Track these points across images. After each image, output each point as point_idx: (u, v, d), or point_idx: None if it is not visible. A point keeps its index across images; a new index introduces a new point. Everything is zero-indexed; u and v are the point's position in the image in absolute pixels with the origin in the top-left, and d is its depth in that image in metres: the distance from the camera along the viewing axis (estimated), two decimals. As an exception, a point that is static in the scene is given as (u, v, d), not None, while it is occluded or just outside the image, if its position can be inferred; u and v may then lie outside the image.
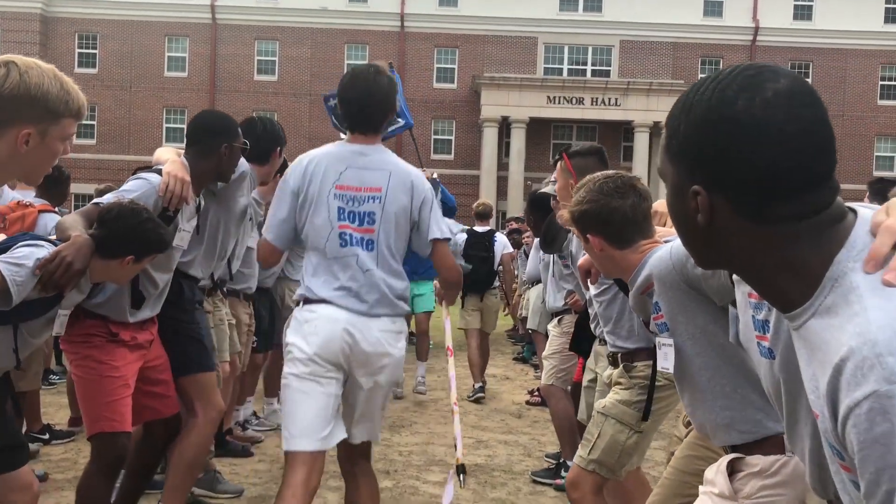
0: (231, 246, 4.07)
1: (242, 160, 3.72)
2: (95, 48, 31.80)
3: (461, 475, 3.98)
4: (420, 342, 7.90)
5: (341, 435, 3.05)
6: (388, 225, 3.06)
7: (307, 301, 3.05)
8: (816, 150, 1.09)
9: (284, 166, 4.24)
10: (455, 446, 4.28)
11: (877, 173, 30.28)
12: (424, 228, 3.12)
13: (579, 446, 3.14)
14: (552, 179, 4.02)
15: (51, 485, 4.40)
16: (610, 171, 2.67)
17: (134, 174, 3.39)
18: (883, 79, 32.17)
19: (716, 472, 2.09)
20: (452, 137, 32.14)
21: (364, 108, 3.11)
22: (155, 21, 31.47)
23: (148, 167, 3.44)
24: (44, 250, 2.63)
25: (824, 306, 1.06)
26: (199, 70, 31.99)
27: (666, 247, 2.21)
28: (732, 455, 2.08)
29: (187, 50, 32.06)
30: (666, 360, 2.19)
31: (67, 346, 3.21)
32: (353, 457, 3.22)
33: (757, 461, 2.02)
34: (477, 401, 7.51)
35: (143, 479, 3.51)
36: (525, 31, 31.61)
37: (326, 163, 3.08)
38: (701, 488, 2.13)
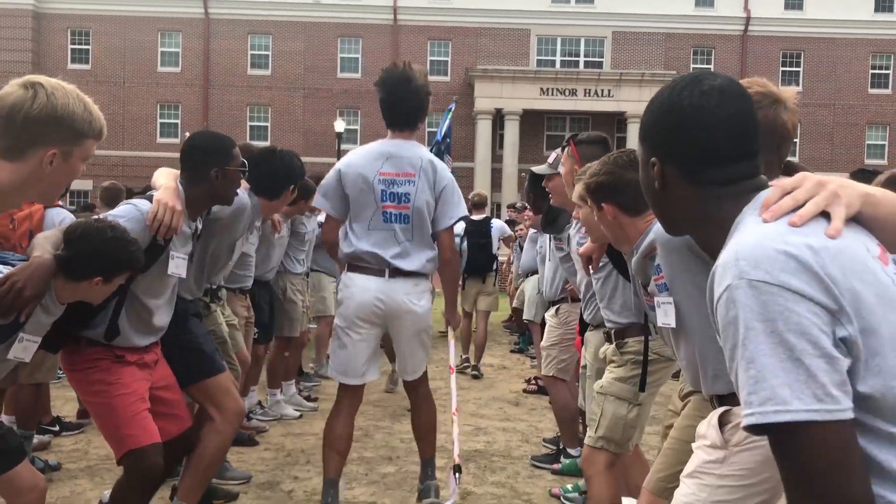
0: (219, 268, 4.03)
1: (244, 195, 3.62)
2: (88, 44, 31.75)
3: (457, 474, 4.23)
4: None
5: (375, 374, 4.02)
6: (420, 204, 3.81)
7: (350, 268, 3.85)
8: (740, 131, 1.44)
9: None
10: (453, 445, 4.38)
11: (868, 162, 30.50)
12: (440, 212, 3.87)
13: (588, 427, 3.31)
14: (550, 162, 4.18)
15: (64, 474, 4.54)
16: (624, 150, 2.95)
17: (128, 198, 3.32)
18: (874, 67, 32.34)
19: (707, 426, 2.25)
20: (446, 130, 32.22)
21: (401, 109, 3.85)
22: (147, 16, 31.45)
23: (142, 193, 3.36)
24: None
25: (725, 245, 1.35)
26: (192, 65, 31.99)
27: None
28: (721, 409, 2.23)
29: (180, 45, 32.07)
30: (667, 317, 2.40)
31: (74, 377, 3.15)
32: (414, 388, 4.17)
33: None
34: (476, 377, 7.91)
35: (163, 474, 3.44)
36: (518, 23, 31.69)
37: (372, 154, 3.85)
38: (694, 444, 2.29)
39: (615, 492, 3.20)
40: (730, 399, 2.26)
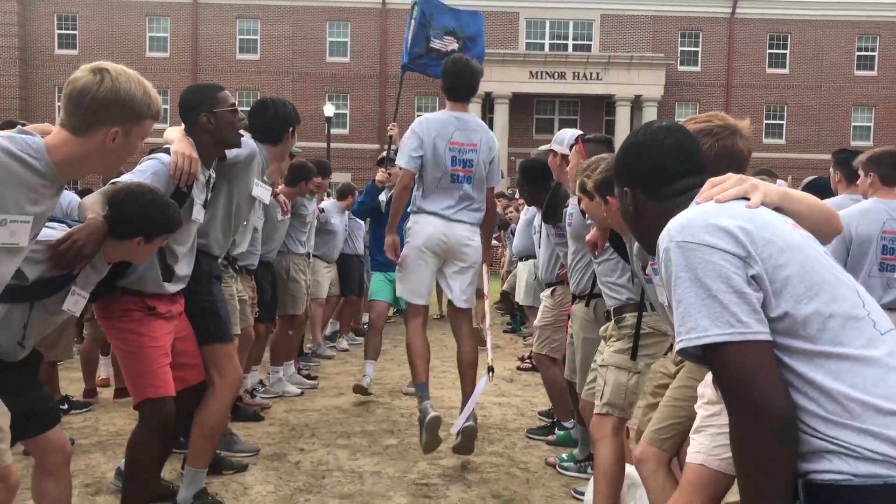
0: (244, 222, 4.31)
1: (249, 141, 3.84)
2: (75, 29, 31.59)
3: (490, 372, 4.88)
4: (370, 338, 6.54)
5: (427, 299, 4.84)
6: (480, 168, 4.68)
7: (418, 212, 4.70)
8: (684, 154, 1.89)
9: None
10: (460, 415, 4.57)
11: (854, 143, 30.77)
12: (489, 175, 4.79)
13: (595, 399, 3.52)
14: (542, 149, 4.45)
15: (78, 449, 4.69)
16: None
17: (148, 154, 3.53)
18: (859, 49, 32.54)
19: (704, 386, 2.55)
20: (436, 114, 32.28)
21: (463, 85, 4.67)
22: (135, 0, 31.30)
23: (159, 147, 3.54)
24: (58, 232, 2.72)
25: None
26: (180, 50, 31.89)
27: None
28: None
29: (168, 30, 31.93)
30: (661, 296, 2.64)
31: (106, 322, 3.37)
32: (459, 320, 4.88)
33: None
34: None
35: (168, 445, 3.73)
36: (506, 5, 31.69)
37: (442, 124, 4.62)
38: (696, 405, 2.55)
39: (620, 455, 3.41)
40: None
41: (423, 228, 4.64)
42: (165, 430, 3.35)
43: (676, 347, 1.56)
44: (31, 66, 31.44)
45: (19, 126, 2.29)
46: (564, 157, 4.37)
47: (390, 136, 5.99)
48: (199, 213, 3.51)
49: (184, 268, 3.51)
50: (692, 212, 1.65)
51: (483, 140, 4.68)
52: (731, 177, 1.75)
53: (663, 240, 1.63)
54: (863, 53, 32.58)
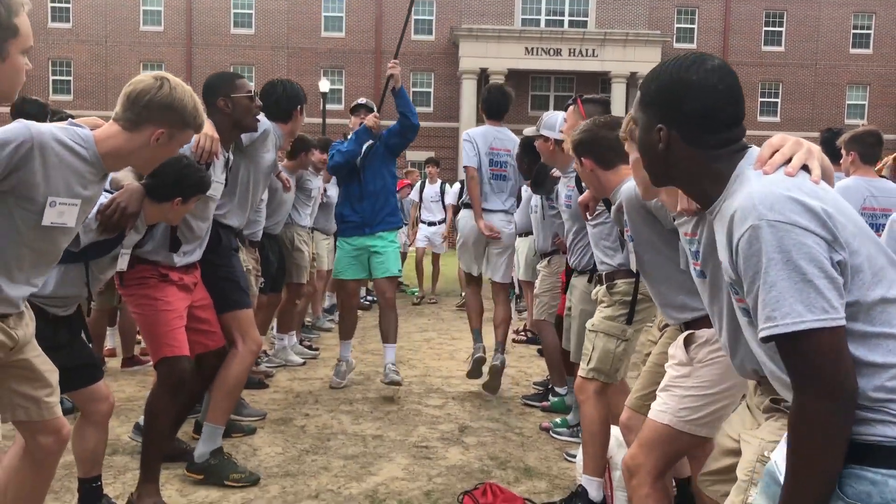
0: (260, 197, 4.56)
1: (264, 120, 4.11)
2: (69, 2, 31.38)
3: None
4: (385, 318, 5.75)
5: (478, 271, 6.09)
6: (512, 170, 5.92)
7: (465, 206, 6.06)
8: (734, 101, 1.77)
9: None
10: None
11: (848, 121, 30.91)
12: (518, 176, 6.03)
13: (581, 361, 3.70)
14: (528, 132, 4.63)
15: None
16: (605, 115, 3.51)
17: None
18: (855, 27, 32.59)
19: (675, 347, 2.72)
20: (431, 90, 32.31)
21: (498, 107, 6.06)
22: (129, -26, 31.14)
23: None
24: (103, 198, 3.03)
25: (729, 193, 1.72)
26: (174, 24, 31.74)
27: (632, 182, 2.87)
28: (687, 332, 2.66)
29: (162, 3, 31.74)
30: (632, 261, 2.94)
31: (125, 290, 3.63)
32: (497, 291, 6.06)
33: (703, 333, 2.66)
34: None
35: (188, 405, 4.00)
36: (503, -19, 31.63)
37: (484, 135, 5.92)
38: (665, 364, 2.71)
39: (604, 415, 3.59)
40: (693, 324, 2.75)
41: (468, 221, 5.97)
42: (181, 386, 3.59)
43: (765, 332, 1.54)
44: (25, 40, 31.31)
45: (70, 119, 2.52)
46: (558, 143, 4.45)
47: (391, 76, 5.49)
48: (216, 190, 3.78)
49: (196, 244, 3.77)
50: (772, 184, 1.60)
51: (513, 147, 5.88)
52: (785, 139, 1.73)
53: (748, 214, 1.56)
54: (858, 31, 32.62)
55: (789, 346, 1.53)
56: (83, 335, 3.24)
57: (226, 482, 3.81)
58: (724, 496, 2.11)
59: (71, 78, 31.32)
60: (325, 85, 27.82)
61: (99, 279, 3.25)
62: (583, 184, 3.81)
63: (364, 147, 5.63)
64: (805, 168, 1.67)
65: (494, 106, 6.08)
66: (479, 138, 5.89)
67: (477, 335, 6.06)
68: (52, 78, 31.14)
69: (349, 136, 5.82)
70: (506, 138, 5.96)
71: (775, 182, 1.61)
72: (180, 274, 3.68)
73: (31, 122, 2.29)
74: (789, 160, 1.67)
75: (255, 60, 31.48)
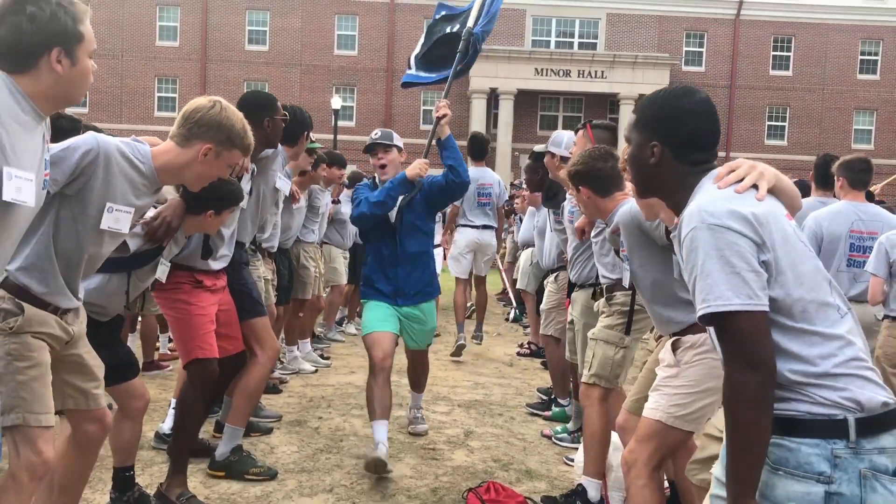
0: (267, 213, 4.83)
1: None
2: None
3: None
4: (415, 366, 5.23)
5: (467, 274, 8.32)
6: (495, 198, 8.14)
7: (462, 225, 8.30)
8: (713, 128, 2.12)
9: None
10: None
11: (855, 146, 31.14)
12: (500, 196, 8.45)
13: (583, 368, 3.97)
14: (539, 149, 4.93)
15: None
16: (598, 146, 3.79)
17: None
18: (863, 53, 32.84)
19: (664, 352, 3.04)
20: (442, 108, 32.61)
21: (481, 151, 8.35)
22: (146, -10, 31.69)
23: None
24: (150, 212, 3.31)
25: (691, 201, 2.02)
26: (190, 39, 32.24)
27: (629, 204, 3.25)
28: (674, 338, 2.96)
29: (178, 19, 32.27)
30: (626, 278, 3.21)
31: (161, 294, 3.87)
32: (479, 283, 8.77)
33: (689, 339, 2.98)
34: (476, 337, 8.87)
35: (207, 407, 4.24)
36: (513, 3, 31.97)
37: (473, 175, 6.78)
38: (656, 369, 3.00)
39: (606, 420, 3.85)
40: (680, 334, 3.06)
41: (465, 236, 8.22)
42: (210, 386, 3.86)
43: (700, 312, 1.84)
44: (43, 53, 31.84)
45: (133, 137, 2.81)
46: (563, 159, 4.74)
47: (441, 118, 4.70)
48: (244, 201, 4.07)
49: (225, 249, 4.03)
50: (716, 196, 1.91)
51: (495, 184, 8.32)
52: (741, 163, 2.03)
53: (692, 219, 1.88)
54: (866, 57, 32.86)
55: (720, 325, 1.83)
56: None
57: (246, 476, 4.08)
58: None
59: (87, 92, 31.80)
60: (336, 102, 28.21)
61: (139, 287, 3.48)
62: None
63: (399, 199, 4.68)
64: (755, 186, 1.98)
65: (478, 150, 8.38)
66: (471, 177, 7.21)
67: (460, 327, 8.07)
68: (68, 91, 31.61)
69: (377, 181, 4.88)
70: (488, 176, 8.35)
71: (722, 195, 1.93)
72: (212, 279, 3.93)
73: (98, 134, 2.59)
74: (742, 180, 1.98)
75: (268, 77, 31.93)
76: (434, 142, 4.78)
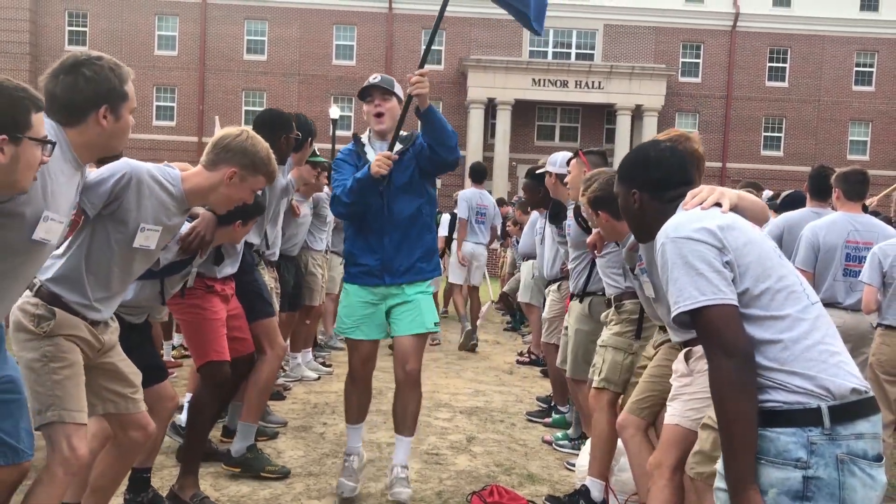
0: (273, 216, 4.95)
1: None
2: (85, 26, 32.07)
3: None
4: (402, 398, 4.15)
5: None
6: (489, 219, 9.63)
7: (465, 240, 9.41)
8: (683, 169, 2.47)
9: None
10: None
11: (850, 157, 31.33)
12: (494, 217, 9.87)
13: (593, 374, 4.08)
14: (550, 162, 5.07)
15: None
16: (612, 170, 3.85)
17: None
18: (858, 65, 33.06)
19: (677, 363, 3.14)
20: (439, 118, 32.78)
21: (482, 175, 9.75)
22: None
23: None
24: (185, 226, 3.47)
25: None
26: (188, 49, 32.36)
27: None
28: (686, 349, 3.05)
29: (177, 29, 32.41)
30: (647, 290, 3.37)
31: (174, 299, 3.91)
32: (473, 291, 9.77)
33: (700, 348, 3.01)
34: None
35: (221, 406, 4.41)
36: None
37: (472, 197, 9.50)
38: (671, 379, 3.11)
39: (613, 424, 3.95)
40: (692, 342, 3.11)
41: (467, 248, 9.39)
42: (223, 387, 3.99)
43: (674, 313, 2.07)
44: (42, 62, 31.88)
45: (165, 162, 2.98)
46: (559, 177, 4.95)
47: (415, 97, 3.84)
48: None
49: (234, 257, 4.19)
50: (682, 216, 2.20)
51: (491, 204, 9.71)
52: (703, 188, 2.32)
53: (661, 237, 2.15)
54: (861, 69, 33.07)
55: (694, 322, 2.04)
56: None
57: (262, 474, 4.22)
58: (710, 477, 2.46)
59: (86, 100, 31.88)
60: (335, 112, 28.32)
61: (170, 292, 3.64)
62: (589, 223, 4.25)
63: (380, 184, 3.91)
64: (718, 204, 2.26)
65: (479, 174, 9.77)
66: (470, 198, 9.52)
67: (463, 318, 9.55)
68: (67, 99, 31.72)
69: (370, 137, 4.15)
70: (486, 198, 9.71)
71: (687, 215, 2.21)
72: (222, 285, 4.08)
73: (131, 160, 2.78)
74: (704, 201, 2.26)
75: (266, 86, 32.07)
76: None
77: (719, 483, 2.02)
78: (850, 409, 1.94)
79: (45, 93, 2.41)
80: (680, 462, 3.10)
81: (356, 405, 4.22)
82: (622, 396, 4.00)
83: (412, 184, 3.99)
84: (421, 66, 3.83)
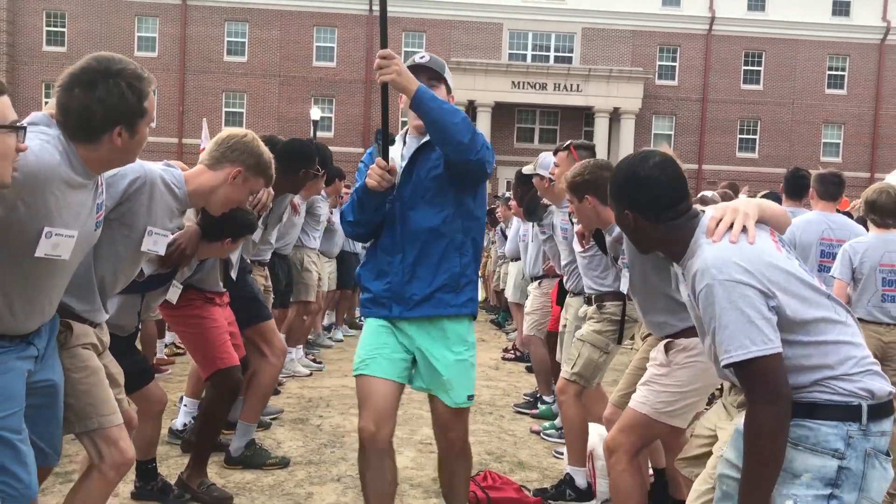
0: (274, 220, 5.10)
1: None
2: (64, 27, 31.87)
3: None
4: (448, 467, 3.50)
5: None
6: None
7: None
8: (675, 187, 2.33)
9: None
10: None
11: (824, 159, 31.84)
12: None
13: (564, 364, 4.25)
14: (539, 165, 5.24)
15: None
16: (602, 159, 4.01)
17: None
18: (830, 69, 33.60)
19: (657, 351, 3.30)
20: (420, 120, 32.93)
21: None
22: (124, 0, 31.71)
23: None
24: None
25: (690, 253, 2.30)
26: (168, 50, 32.26)
27: None
28: (667, 340, 3.22)
29: (157, 30, 32.30)
30: (624, 285, 3.48)
31: (173, 312, 3.96)
32: None
33: (682, 342, 3.20)
34: None
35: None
36: (491, 16, 32.49)
37: None
38: (647, 364, 3.27)
39: (582, 413, 4.16)
40: (673, 337, 3.31)
41: None
42: (236, 392, 4.06)
43: (724, 362, 2.09)
44: (19, 62, 31.70)
45: (165, 161, 2.96)
46: (550, 180, 4.99)
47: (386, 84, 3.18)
48: (256, 234, 4.46)
49: (234, 271, 4.32)
50: (720, 252, 2.15)
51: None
52: (726, 211, 2.26)
53: (704, 275, 2.12)
54: (833, 73, 33.62)
55: (741, 369, 2.10)
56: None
57: (263, 468, 4.36)
58: (697, 476, 2.64)
59: (64, 101, 31.67)
60: (315, 113, 28.42)
61: (150, 308, 3.59)
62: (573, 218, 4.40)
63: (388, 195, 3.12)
64: (744, 229, 2.23)
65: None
66: None
67: None
68: (44, 100, 31.51)
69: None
70: None
71: (722, 249, 2.17)
72: (221, 296, 4.17)
73: (144, 162, 2.73)
74: (731, 226, 2.23)
75: (247, 88, 32.06)
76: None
77: (725, 470, 2.20)
78: (883, 409, 2.13)
79: (58, 104, 2.24)
80: (638, 448, 3.25)
81: (371, 485, 3.05)
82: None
83: (438, 189, 3.02)
84: (383, 47, 3.02)
